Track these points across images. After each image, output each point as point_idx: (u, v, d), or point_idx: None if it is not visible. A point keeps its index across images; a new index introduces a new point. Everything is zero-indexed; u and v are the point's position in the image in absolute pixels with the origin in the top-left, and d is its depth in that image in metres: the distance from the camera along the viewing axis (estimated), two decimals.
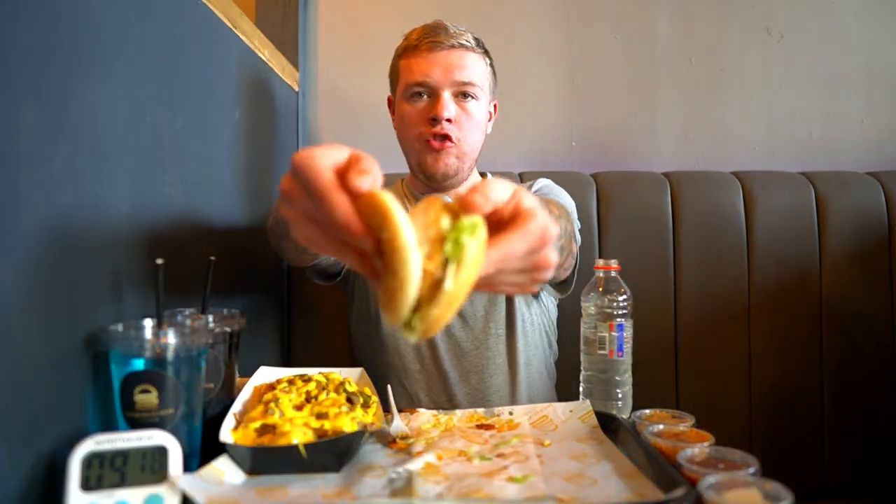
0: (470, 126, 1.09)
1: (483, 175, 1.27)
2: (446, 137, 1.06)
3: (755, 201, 1.44)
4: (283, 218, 0.83)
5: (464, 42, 1.08)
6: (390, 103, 1.20)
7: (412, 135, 1.09)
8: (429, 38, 1.07)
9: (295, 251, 0.98)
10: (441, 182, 1.10)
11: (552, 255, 0.49)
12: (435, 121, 1.06)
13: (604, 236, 1.42)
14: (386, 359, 1.14)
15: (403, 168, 1.20)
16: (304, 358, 1.44)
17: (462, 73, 1.07)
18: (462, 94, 1.08)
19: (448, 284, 0.44)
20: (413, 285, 0.43)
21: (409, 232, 0.43)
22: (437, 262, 0.44)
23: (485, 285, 0.48)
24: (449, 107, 1.06)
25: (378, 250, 0.44)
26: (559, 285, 1.11)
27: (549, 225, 0.47)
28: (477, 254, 0.44)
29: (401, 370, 1.13)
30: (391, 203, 0.43)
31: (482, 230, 0.45)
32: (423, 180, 1.12)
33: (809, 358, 1.41)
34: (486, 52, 1.13)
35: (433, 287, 0.44)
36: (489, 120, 1.17)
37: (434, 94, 1.07)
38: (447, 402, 1.09)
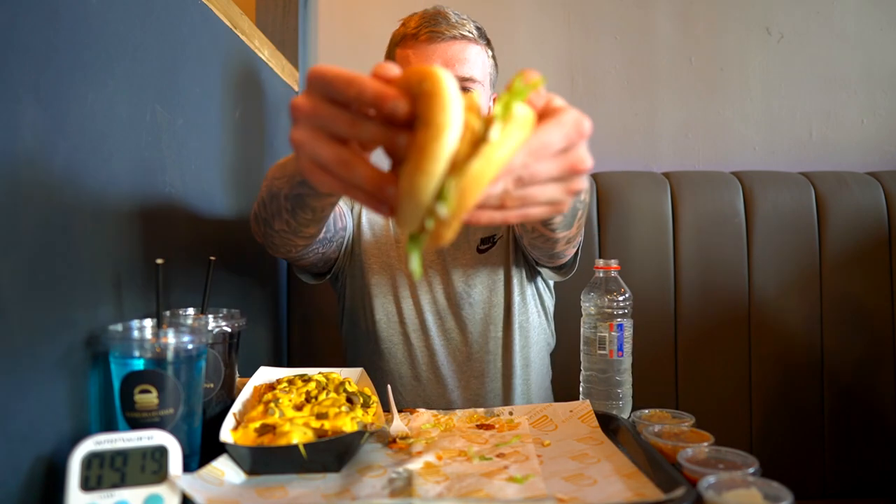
0: None
1: None
2: None
3: (755, 201, 1.44)
4: (274, 192, 0.78)
5: (465, 33, 1.02)
6: None
7: None
8: (428, 28, 1.01)
9: (286, 233, 0.85)
10: None
11: (587, 156, 0.45)
12: None
13: (604, 236, 1.42)
14: (379, 364, 1.10)
15: None
16: (304, 358, 1.44)
17: (463, 67, 1.01)
18: (462, 91, 1.02)
19: (494, 135, 0.39)
20: (454, 129, 0.39)
21: (452, 81, 0.39)
22: (476, 128, 0.40)
23: (515, 203, 0.44)
24: None
25: (409, 118, 0.40)
26: (560, 268, 1.05)
27: (584, 119, 0.44)
28: (525, 120, 0.41)
29: (395, 377, 1.09)
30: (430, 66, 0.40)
31: (530, 112, 0.42)
32: None
33: (810, 357, 1.41)
34: (489, 43, 1.08)
35: (472, 144, 0.39)
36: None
37: None
38: (443, 408, 1.08)
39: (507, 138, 0.40)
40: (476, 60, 1.03)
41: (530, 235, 0.93)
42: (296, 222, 0.82)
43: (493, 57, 1.10)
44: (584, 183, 0.47)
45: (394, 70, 0.41)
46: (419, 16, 1.04)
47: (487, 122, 0.41)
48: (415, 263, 0.43)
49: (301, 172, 0.57)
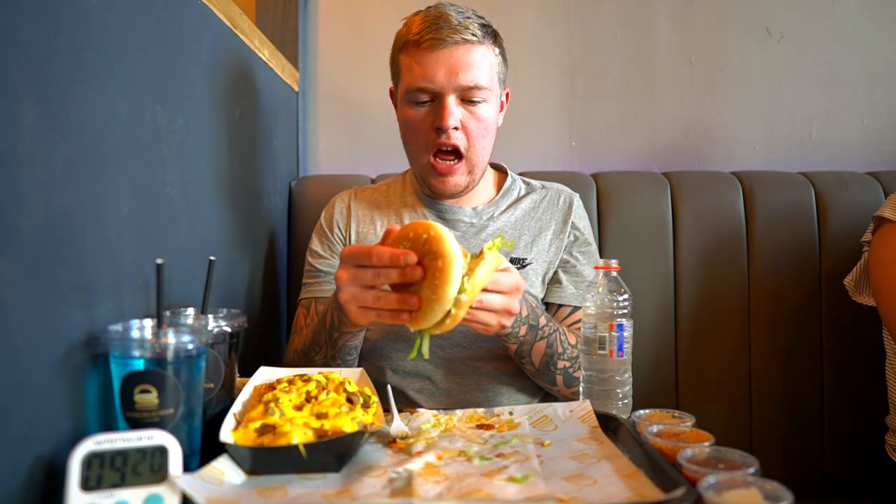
0: (478, 131, 1.01)
1: (498, 169, 1.19)
2: (454, 149, 1.01)
3: (755, 201, 1.44)
4: (321, 364, 0.95)
5: (468, 37, 0.98)
6: (392, 95, 1.13)
7: (418, 144, 1.03)
8: (430, 34, 0.98)
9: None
10: (449, 199, 1.08)
11: (517, 306, 0.81)
12: (440, 130, 0.99)
13: (604, 236, 1.42)
14: (386, 373, 1.08)
15: (403, 167, 1.20)
16: None
17: (468, 75, 0.98)
18: (470, 98, 1.00)
19: (480, 272, 0.69)
20: (460, 258, 0.67)
21: (445, 228, 0.70)
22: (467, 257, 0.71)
23: (469, 315, 0.76)
24: (455, 114, 0.99)
25: (421, 272, 0.69)
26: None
27: (521, 280, 0.80)
28: (495, 261, 0.71)
29: (400, 382, 1.07)
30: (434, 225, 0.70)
31: (499, 257, 0.72)
32: (429, 194, 1.09)
33: (810, 357, 1.41)
34: (495, 38, 1.04)
35: (468, 272, 0.69)
36: (500, 111, 1.10)
37: (438, 99, 1.00)
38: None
39: (485, 271, 0.70)
40: (482, 64, 1.00)
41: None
42: (346, 364, 0.98)
43: (502, 53, 1.06)
44: (508, 321, 0.81)
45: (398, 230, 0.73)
46: (421, 18, 1.01)
47: (474, 257, 0.71)
48: (425, 348, 0.72)
49: (350, 318, 0.78)
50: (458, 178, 1.03)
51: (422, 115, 1.01)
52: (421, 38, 0.99)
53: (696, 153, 1.65)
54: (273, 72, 1.36)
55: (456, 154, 1.02)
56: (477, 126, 1.02)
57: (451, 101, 0.99)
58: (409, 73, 1.01)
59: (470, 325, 0.79)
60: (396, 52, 1.06)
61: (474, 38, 0.99)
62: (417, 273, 0.68)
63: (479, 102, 1.01)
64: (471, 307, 0.74)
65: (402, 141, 1.10)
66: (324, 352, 0.95)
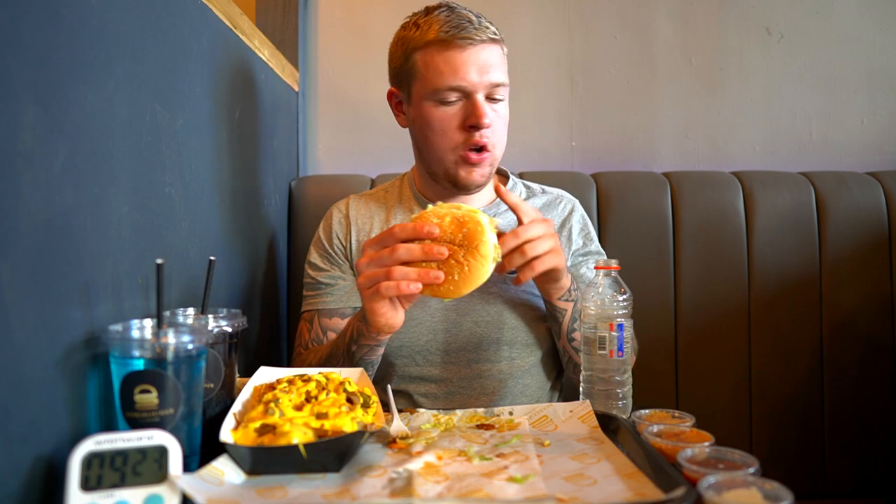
0: (502, 128, 1.03)
1: (499, 173, 1.18)
2: (483, 147, 1.00)
3: (755, 201, 1.44)
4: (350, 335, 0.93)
5: (492, 35, 0.99)
6: (391, 97, 1.09)
7: (445, 144, 1.00)
8: (459, 33, 0.96)
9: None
10: (472, 192, 1.06)
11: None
12: (474, 128, 0.98)
13: (604, 236, 1.42)
14: (389, 360, 1.07)
15: (403, 167, 1.20)
16: None
17: (496, 73, 0.98)
18: (494, 96, 1.00)
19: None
20: (491, 255, 0.79)
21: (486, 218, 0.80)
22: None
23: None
24: (488, 112, 0.98)
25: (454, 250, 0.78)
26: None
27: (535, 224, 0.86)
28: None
29: (410, 379, 1.07)
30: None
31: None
32: (447, 187, 1.05)
33: (810, 357, 1.41)
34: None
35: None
36: None
37: (468, 98, 0.98)
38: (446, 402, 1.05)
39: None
40: (503, 63, 1.01)
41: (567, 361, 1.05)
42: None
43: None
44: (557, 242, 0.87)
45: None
46: (441, 18, 0.98)
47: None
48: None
49: (365, 306, 0.81)
50: (485, 169, 1.03)
51: (450, 114, 0.99)
52: (449, 38, 0.96)
53: (696, 153, 1.65)
54: (273, 72, 1.36)
55: (485, 149, 1.01)
56: (500, 123, 1.02)
57: (481, 98, 0.98)
58: (436, 72, 0.97)
59: (539, 265, 0.85)
60: (410, 52, 1.01)
61: (497, 38, 1.00)
62: (442, 249, 0.77)
63: (501, 100, 1.01)
64: (525, 245, 0.83)
65: (416, 141, 1.07)
66: (341, 365, 0.93)
